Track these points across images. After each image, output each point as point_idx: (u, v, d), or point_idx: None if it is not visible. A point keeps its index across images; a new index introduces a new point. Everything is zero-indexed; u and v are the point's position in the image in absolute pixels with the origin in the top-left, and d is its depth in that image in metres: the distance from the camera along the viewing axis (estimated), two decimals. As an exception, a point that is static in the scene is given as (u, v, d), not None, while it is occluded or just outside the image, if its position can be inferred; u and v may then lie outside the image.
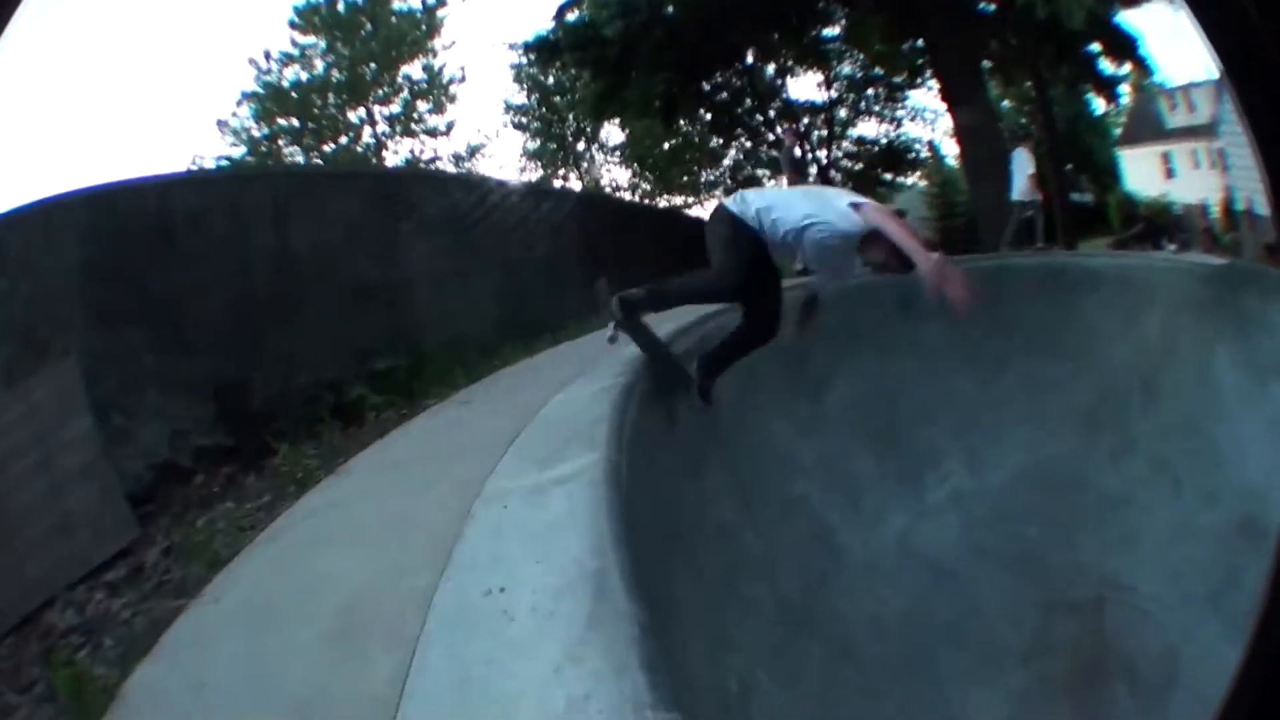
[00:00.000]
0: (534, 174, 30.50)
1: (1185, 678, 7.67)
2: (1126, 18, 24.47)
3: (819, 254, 5.85)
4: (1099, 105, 36.03)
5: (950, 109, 22.56)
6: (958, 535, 8.72)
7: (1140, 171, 28.41)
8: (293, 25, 27.97)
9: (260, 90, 28.17)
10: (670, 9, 20.43)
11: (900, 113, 29.77)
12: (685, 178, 29.43)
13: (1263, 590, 1.48)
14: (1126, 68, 30.51)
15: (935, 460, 9.19)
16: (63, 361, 8.37)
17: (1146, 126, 39.72)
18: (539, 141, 30.58)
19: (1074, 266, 12.40)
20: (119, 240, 9.08)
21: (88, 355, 8.42)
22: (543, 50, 23.38)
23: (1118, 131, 40.40)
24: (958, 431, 9.43)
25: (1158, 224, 24.89)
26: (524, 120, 30.38)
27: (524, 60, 27.40)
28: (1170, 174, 34.11)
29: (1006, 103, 34.78)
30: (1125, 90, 32.10)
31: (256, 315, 9.62)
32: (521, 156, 31.08)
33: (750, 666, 5.99)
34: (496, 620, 3.24)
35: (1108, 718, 7.50)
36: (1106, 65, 30.17)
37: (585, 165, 31.14)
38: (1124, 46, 27.45)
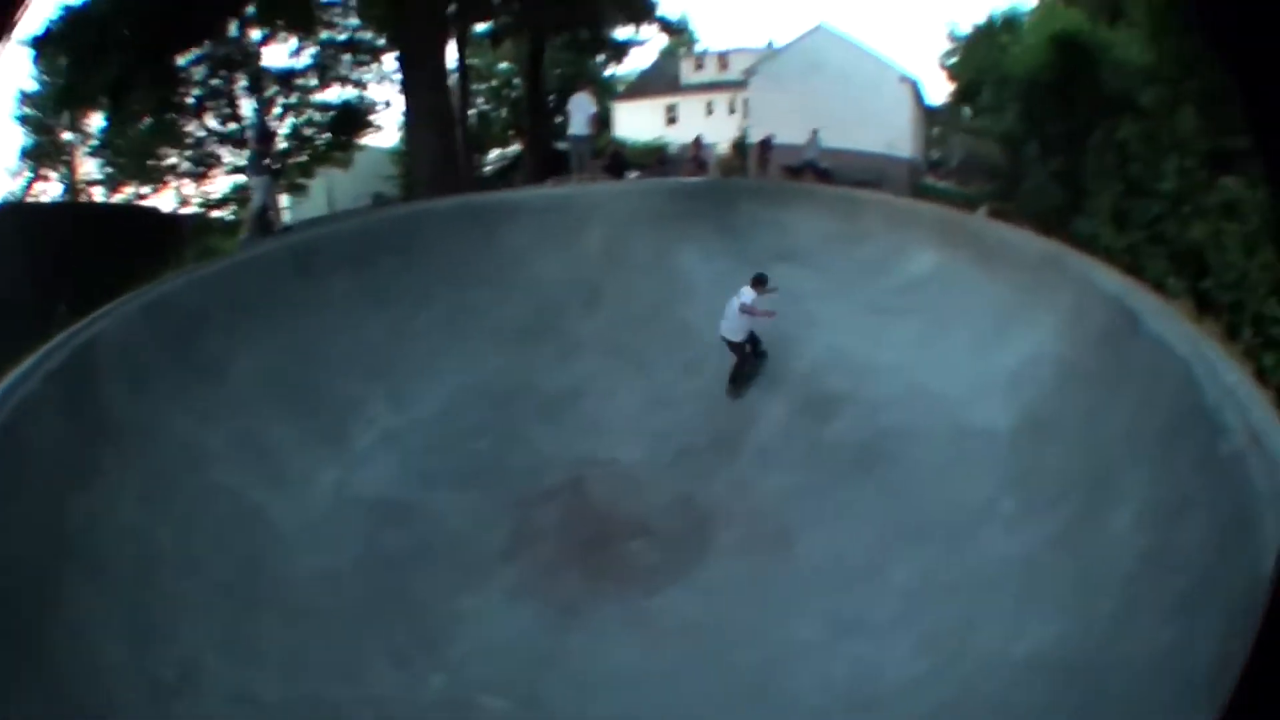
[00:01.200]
0: (23, 177, 27.02)
1: (712, 520, 8.61)
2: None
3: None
4: (609, 66, 39.15)
5: (403, 68, 22.89)
6: (399, 471, 9.00)
7: (640, 121, 30.82)
8: None
9: None
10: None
11: (369, 75, 29.52)
12: (153, 162, 26.48)
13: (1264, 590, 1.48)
14: (650, 31, 33.20)
15: (358, 408, 9.40)
16: None
17: (659, 82, 43.42)
18: (33, 138, 27.19)
19: (491, 203, 13.14)
20: None
21: None
22: (43, 44, 21.12)
23: (623, 89, 44.37)
24: (377, 375, 9.71)
25: (623, 159, 26.96)
26: (28, 112, 26.97)
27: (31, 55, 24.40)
28: (673, 121, 37.65)
29: (504, 64, 36.49)
30: (649, 52, 34.94)
31: None
32: (18, 157, 27.35)
33: (193, 654, 6.18)
34: None
35: (628, 573, 8.09)
36: (624, 32, 32.77)
37: (65, 160, 27.97)
38: (640, 13, 29.63)
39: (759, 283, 10.15)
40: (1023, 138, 19.94)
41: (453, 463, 9.21)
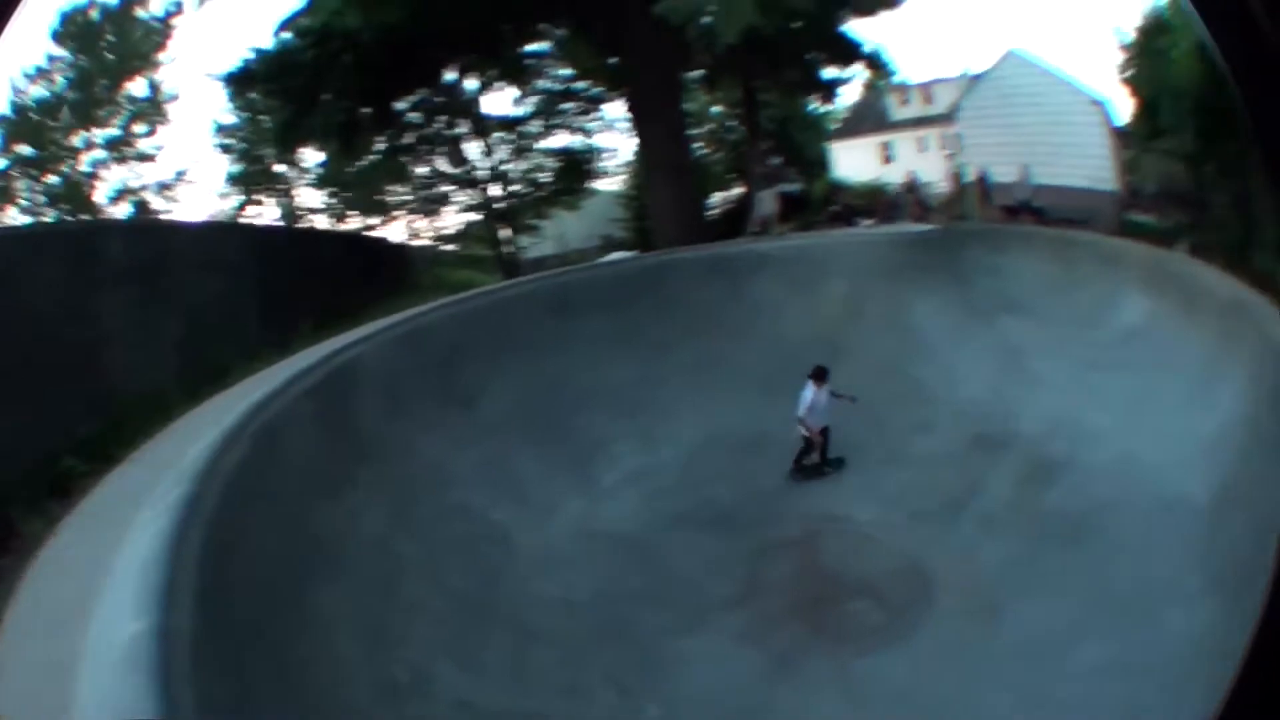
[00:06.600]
0: (233, 200, 28.54)
1: (935, 586, 8.25)
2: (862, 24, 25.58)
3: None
4: (817, 105, 38.65)
5: (636, 119, 23.30)
6: (641, 510, 9.09)
7: (855, 160, 30.13)
8: (55, 36, 24.30)
9: (9, 114, 24.68)
10: (364, 35, 19.71)
11: (593, 124, 30.21)
12: (375, 197, 27.95)
13: (1263, 590, 1.51)
14: (856, 69, 32.75)
15: (605, 445, 9.60)
16: None
17: (869, 119, 42.64)
18: (241, 165, 28.85)
19: (738, 254, 13.20)
20: None
21: None
22: (240, 81, 22.35)
23: (835, 126, 43.79)
24: (625, 415, 9.88)
25: (854, 205, 26.64)
26: (230, 142, 28.61)
27: (226, 90, 25.87)
28: (889, 159, 36.83)
29: (717, 108, 36.41)
30: (854, 88, 34.39)
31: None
32: (225, 182, 28.95)
33: (424, 657, 6.34)
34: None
35: (852, 632, 7.89)
36: (831, 70, 32.27)
37: (282, 189, 29.55)
38: (846, 53, 29.23)
39: (820, 377, 9.76)
40: (1202, 158, 18.20)
41: (692, 507, 9.26)
